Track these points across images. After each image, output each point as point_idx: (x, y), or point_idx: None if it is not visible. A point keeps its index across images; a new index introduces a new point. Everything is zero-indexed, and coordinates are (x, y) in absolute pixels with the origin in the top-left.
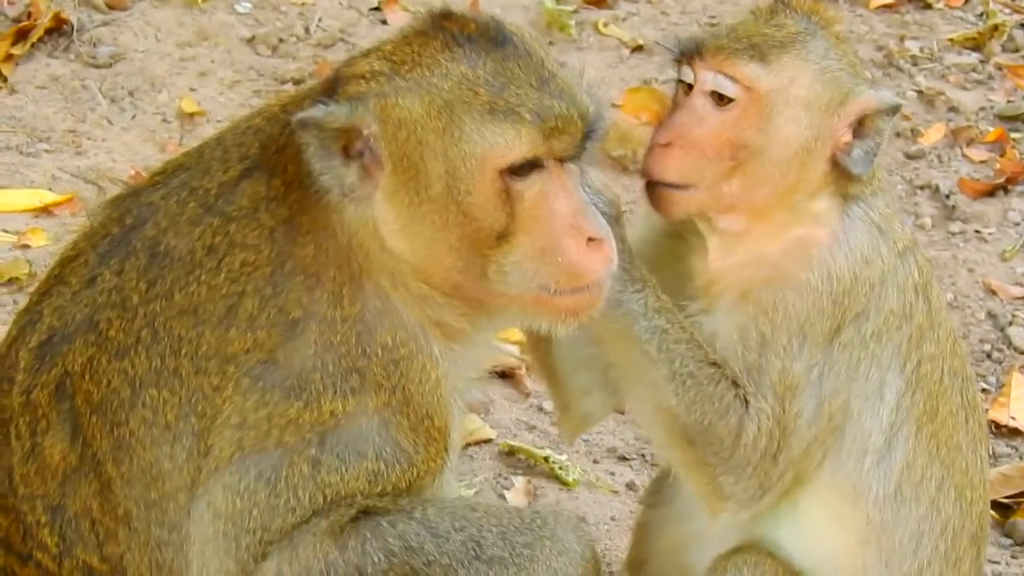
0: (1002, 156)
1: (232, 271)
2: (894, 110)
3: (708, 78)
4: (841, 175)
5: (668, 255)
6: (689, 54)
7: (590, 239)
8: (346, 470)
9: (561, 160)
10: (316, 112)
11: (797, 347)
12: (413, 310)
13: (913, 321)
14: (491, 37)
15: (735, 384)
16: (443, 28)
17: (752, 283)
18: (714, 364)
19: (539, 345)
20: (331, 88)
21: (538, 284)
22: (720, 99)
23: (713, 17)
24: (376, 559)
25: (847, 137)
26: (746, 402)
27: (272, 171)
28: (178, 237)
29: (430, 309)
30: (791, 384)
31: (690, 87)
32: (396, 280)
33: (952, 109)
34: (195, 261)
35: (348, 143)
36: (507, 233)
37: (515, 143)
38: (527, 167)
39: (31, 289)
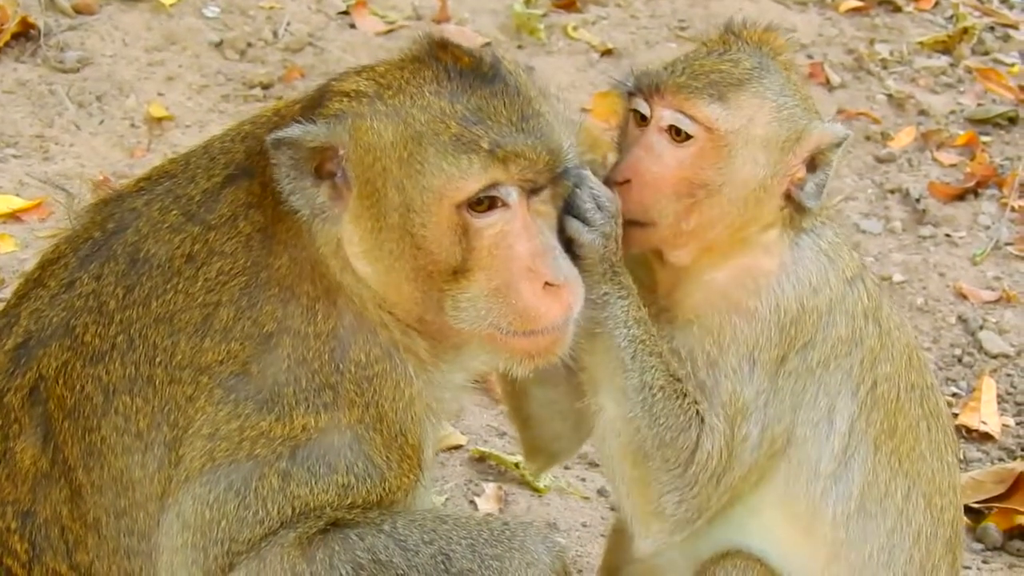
0: (972, 160)
1: (209, 280)
2: (843, 141)
3: (666, 115)
4: (794, 208)
5: None
6: (647, 90)
7: (548, 284)
8: (316, 483)
9: (530, 194)
10: (293, 131)
11: (747, 372)
12: (384, 330)
13: (864, 345)
14: (482, 73)
15: (695, 401)
16: (437, 59)
17: (700, 309)
18: (679, 380)
19: (515, 395)
20: (318, 100)
21: (490, 322)
22: (677, 134)
23: (683, 21)
24: (344, 572)
25: (801, 172)
26: (702, 419)
27: (253, 174)
28: (158, 244)
29: (396, 335)
30: (740, 408)
31: (643, 117)
32: (362, 302)
33: (922, 112)
34: (173, 269)
35: (323, 161)
36: (464, 269)
37: (467, 173)
38: (489, 204)
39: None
